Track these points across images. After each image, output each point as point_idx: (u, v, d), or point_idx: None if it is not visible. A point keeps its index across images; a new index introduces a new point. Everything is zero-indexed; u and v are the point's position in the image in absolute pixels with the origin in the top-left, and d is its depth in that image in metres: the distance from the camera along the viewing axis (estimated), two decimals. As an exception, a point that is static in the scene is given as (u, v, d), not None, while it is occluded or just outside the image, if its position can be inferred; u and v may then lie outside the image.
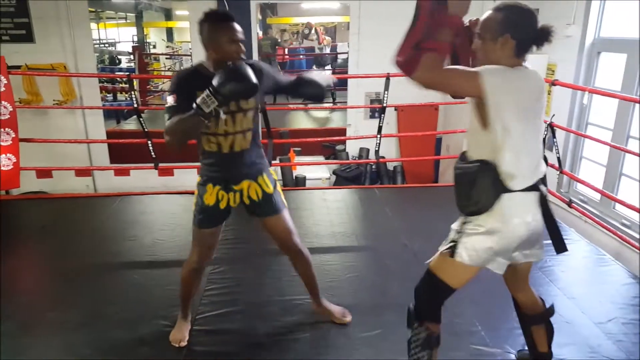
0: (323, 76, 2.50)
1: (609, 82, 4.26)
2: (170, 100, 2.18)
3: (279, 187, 2.58)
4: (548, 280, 3.28)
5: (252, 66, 2.20)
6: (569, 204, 4.21)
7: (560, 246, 1.98)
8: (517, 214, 1.87)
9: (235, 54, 2.20)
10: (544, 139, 4.33)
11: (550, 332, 2.26)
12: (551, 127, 4.20)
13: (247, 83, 2.04)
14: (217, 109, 2.04)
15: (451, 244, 1.99)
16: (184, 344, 2.62)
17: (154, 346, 2.62)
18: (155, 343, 2.65)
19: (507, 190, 1.84)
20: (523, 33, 1.82)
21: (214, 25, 2.20)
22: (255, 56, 5.93)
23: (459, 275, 1.98)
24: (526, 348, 2.36)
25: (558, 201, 4.44)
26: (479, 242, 1.90)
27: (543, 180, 1.94)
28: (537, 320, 2.25)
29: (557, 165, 4.28)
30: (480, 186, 1.85)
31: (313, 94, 2.50)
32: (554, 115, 4.26)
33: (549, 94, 4.83)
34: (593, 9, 4.28)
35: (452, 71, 1.81)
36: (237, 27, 2.22)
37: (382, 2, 5.71)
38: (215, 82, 2.01)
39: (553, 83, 4.20)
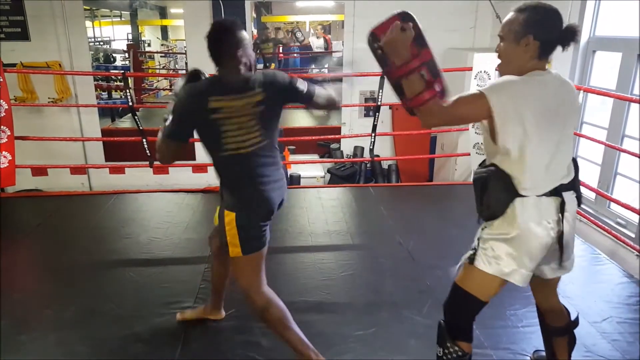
0: (334, 93, 2.38)
1: (604, 81, 4.27)
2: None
3: (227, 232, 2.18)
4: (542, 279, 3.29)
5: (264, 76, 2.18)
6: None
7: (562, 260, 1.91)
8: (532, 219, 1.81)
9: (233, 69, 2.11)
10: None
11: (572, 343, 2.20)
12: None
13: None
14: None
15: (471, 251, 1.93)
16: (178, 316, 2.79)
17: (149, 343, 2.63)
18: (151, 340, 2.65)
19: (520, 196, 1.80)
20: (547, 33, 1.76)
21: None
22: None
23: (485, 286, 1.90)
24: (540, 348, 2.34)
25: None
26: (497, 247, 1.85)
27: (572, 186, 1.88)
28: (561, 332, 2.18)
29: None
30: (491, 191, 1.83)
31: (329, 106, 2.41)
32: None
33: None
34: (588, 8, 4.30)
35: (457, 104, 1.77)
36: (238, 36, 2.09)
37: (377, 1, 5.71)
38: None
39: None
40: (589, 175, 4.35)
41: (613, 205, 4.09)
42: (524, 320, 2.79)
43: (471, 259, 1.91)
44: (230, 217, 2.15)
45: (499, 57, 1.86)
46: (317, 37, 12.36)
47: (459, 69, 5.20)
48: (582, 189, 4.31)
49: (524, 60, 1.79)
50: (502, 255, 1.84)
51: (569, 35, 1.76)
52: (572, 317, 2.19)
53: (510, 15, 1.82)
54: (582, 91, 3.99)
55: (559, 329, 2.17)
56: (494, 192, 1.83)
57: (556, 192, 1.83)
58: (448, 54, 5.75)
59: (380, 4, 5.66)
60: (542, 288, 2.12)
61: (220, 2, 5.49)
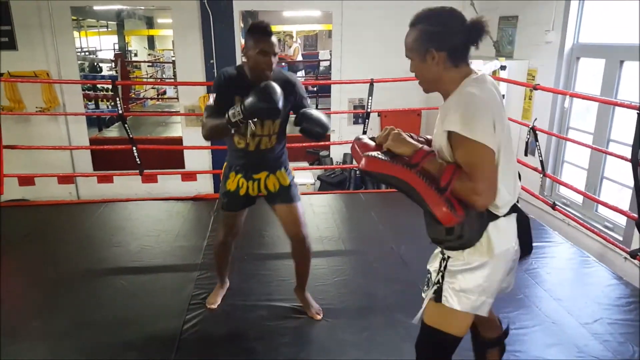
0: (326, 118, 2.57)
1: (588, 87, 4.34)
2: (210, 99, 2.46)
3: (295, 182, 2.82)
4: (534, 282, 3.32)
5: (286, 80, 2.52)
6: (553, 206, 4.26)
7: (526, 249, 1.78)
8: (503, 242, 1.65)
9: (262, 64, 2.38)
10: (527, 143, 4.43)
11: (502, 351, 2.09)
12: (533, 130, 4.25)
13: (270, 106, 2.22)
14: (245, 121, 2.29)
15: (435, 287, 1.72)
16: (213, 306, 2.96)
17: (141, 351, 2.61)
18: (143, 348, 2.63)
19: (494, 218, 1.62)
20: (448, 41, 1.59)
21: (251, 36, 2.38)
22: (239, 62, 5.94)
23: (458, 321, 1.71)
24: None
25: (542, 204, 4.50)
26: (466, 280, 1.65)
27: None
28: (496, 344, 2.06)
29: (540, 168, 4.34)
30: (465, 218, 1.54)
31: (315, 133, 2.54)
32: (536, 119, 4.32)
33: (530, 99, 4.91)
34: (571, 16, 4.37)
35: (484, 165, 1.52)
36: (272, 41, 2.37)
37: (364, 10, 5.76)
38: (246, 99, 2.24)
39: (535, 87, 4.26)
40: (576, 179, 4.41)
41: (600, 209, 4.14)
42: (517, 323, 2.80)
43: (437, 296, 1.70)
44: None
45: (416, 76, 1.70)
46: (289, 47, 12.42)
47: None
48: (571, 193, 4.43)
49: (439, 73, 1.62)
50: (471, 288, 1.65)
51: (476, 32, 1.58)
52: (504, 327, 2.10)
53: (407, 32, 1.66)
54: (568, 96, 4.04)
55: (493, 340, 2.05)
56: (468, 218, 1.55)
57: (516, 206, 1.69)
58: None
59: (367, 13, 5.73)
60: None
61: (209, 12, 5.50)
